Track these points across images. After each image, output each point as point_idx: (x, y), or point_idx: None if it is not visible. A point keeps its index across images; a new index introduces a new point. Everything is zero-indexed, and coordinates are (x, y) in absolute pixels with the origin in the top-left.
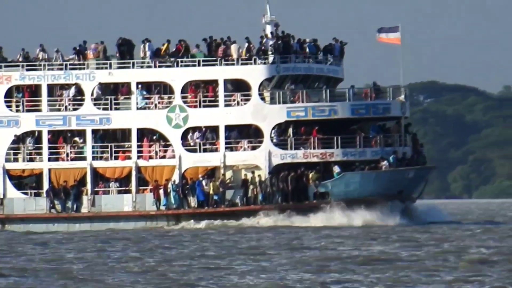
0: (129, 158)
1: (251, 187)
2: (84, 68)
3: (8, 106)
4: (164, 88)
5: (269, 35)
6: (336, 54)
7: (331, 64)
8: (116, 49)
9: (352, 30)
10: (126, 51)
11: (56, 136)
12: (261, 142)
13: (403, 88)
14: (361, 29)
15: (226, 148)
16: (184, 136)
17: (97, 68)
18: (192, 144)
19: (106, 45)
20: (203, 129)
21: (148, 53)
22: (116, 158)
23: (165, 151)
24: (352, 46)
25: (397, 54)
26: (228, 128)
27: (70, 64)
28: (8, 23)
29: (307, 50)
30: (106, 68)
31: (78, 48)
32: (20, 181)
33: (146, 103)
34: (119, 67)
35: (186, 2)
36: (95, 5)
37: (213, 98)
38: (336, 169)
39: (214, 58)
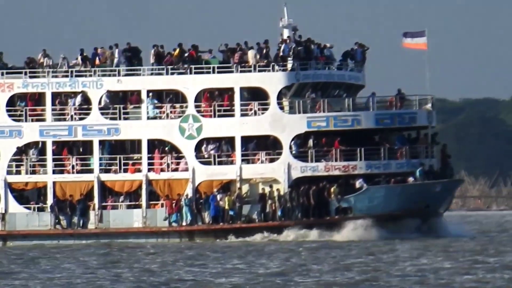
0: (139, 170)
1: (269, 201)
2: (91, 75)
3: (10, 116)
4: (176, 97)
5: (287, 40)
6: (357, 60)
7: (352, 70)
8: (122, 56)
9: (375, 35)
10: (133, 58)
11: (61, 148)
12: (279, 154)
13: (429, 96)
14: (385, 34)
15: (242, 160)
16: (197, 148)
17: (105, 75)
18: (206, 156)
19: (114, 51)
20: (218, 140)
21: (115, 60)
22: (125, 170)
23: (178, 164)
24: (375, 51)
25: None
26: (245, 139)
27: (76, 71)
28: (9, 27)
29: (325, 55)
30: (114, 75)
31: (84, 53)
32: (21, 194)
33: (157, 113)
34: (127, 74)
35: (198, 5)
36: (101, 9)
37: (228, 107)
38: (359, 183)
39: (230, 65)
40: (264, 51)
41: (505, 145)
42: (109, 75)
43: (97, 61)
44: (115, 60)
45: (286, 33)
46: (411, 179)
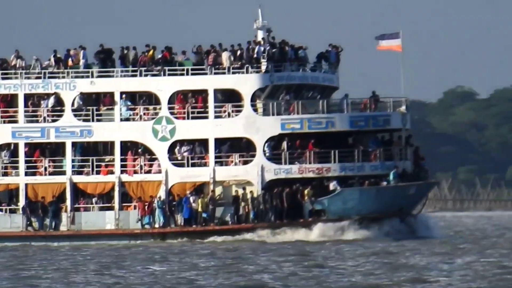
0: (112, 172)
1: (242, 204)
2: (64, 77)
3: None
4: (149, 98)
5: (261, 41)
6: (332, 61)
7: (326, 72)
8: (95, 58)
9: (349, 37)
10: (106, 60)
11: (33, 149)
12: (253, 156)
13: (404, 98)
14: (360, 35)
15: (216, 162)
16: (171, 150)
17: (78, 77)
18: (179, 158)
19: (79, 53)
20: (192, 142)
21: (82, 61)
22: (98, 172)
23: (151, 166)
24: (350, 53)
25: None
26: (218, 141)
27: (49, 73)
28: None
29: (300, 57)
30: (87, 76)
31: (57, 55)
32: None
33: (130, 114)
34: (101, 76)
35: (172, 6)
36: (75, 11)
37: (202, 109)
38: (332, 186)
39: (203, 67)
40: (238, 53)
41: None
42: (82, 77)
43: (70, 63)
44: (81, 62)
45: (260, 35)
46: (384, 183)
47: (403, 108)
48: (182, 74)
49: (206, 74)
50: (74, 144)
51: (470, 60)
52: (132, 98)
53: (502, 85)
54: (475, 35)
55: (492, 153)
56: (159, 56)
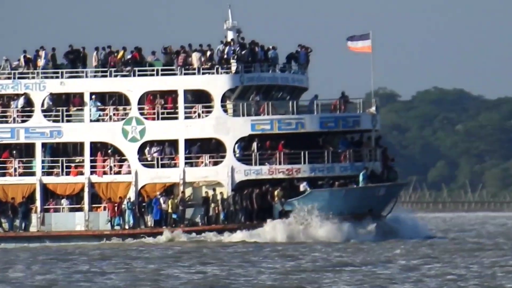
0: (81, 173)
1: (212, 205)
2: (33, 77)
3: None
4: (119, 99)
5: (231, 42)
6: (301, 62)
7: (295, 72)
8: (64, 58)
9: (320, 37)
10: (76, 60)
11: (2, 150)
12: (223, 157)
13: (374, 99)
14: (330, 36)
15: (185, 163)
16: (141, 151)
17: (47, 77)
18: (149, 159)
19: (56, 53)
20: (162, 143)
21: (43, 62)
22: (68, 173)
23: (120, 167)
24: (320, 54)
25: (367, 62)
26: (188, 142)
27: (19, 73)
28: None
29: (270, 58)
30: (57, 77)
31: (27, 55)
32: None
33: (100, 115)
34: (70, 76)
35: (140, 6)
36: (44, 11)
37: (172, 110)
38: (303, 187)
39: (173, 67)
40: (208, 53)
41: None
42: (52, 77)
43: (39, 63)
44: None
45: (230, 35)
46: (354, 185)
47: (373, 109)
48: (152, 75)
49: (176, 74)
50: (44, 145)
51: (393, 61)
52: (102, 98)
53: (424, 87)
54: (398, 36)
55: (414, 156)
56: (129, 56)
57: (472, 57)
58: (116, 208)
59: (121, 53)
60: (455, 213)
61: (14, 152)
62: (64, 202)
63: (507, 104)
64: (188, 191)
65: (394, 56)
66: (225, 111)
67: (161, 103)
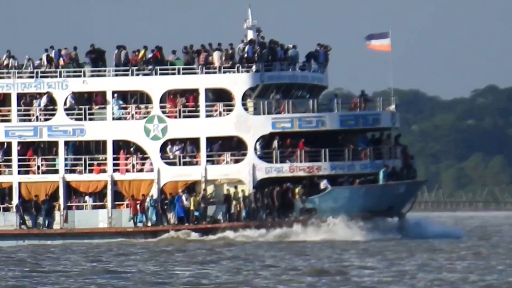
0: (104, 171)
1: (234, 202)
2: (56, 76)
3: None
4: (141, 98)
5: (252, 41)
6: (321, 61)
7: (315, 71)
8: (86, 57)
9: (339, 36)
10: (98, 59)
11: (26, 148)
12: (244, 155)
13: (393, 97)
14: (350, 35)
15: (207, 161)
16: (162, 149)
17: (69, 76)
18: (171, 157)
19: (78, 52)
20: (183, 141)
21: (44, 61)
22: (91, 171)
23: (143, 164)
24: (339, 52)
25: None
26: (210, 140)
27: (41, 72)
28: None
29: (290, 56)
30: (79, 76)
31: (49, 53)
32: None
33: (122, 113)
34: (92, 75)
35: (161, 6)
36: (66, 11)
37: (193, 108)
38: (323, 185)
39: (194, 66)
40: (229, 52)
41: None
42: (74, 76)
43: (61, 62)
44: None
45: (250, 35)
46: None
47: (392, 107)
48: (173, 74)
49: (197, 73)
50: (66, 143)
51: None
52: (124, 97)
53: (380, 88)
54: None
55: None
56: (150, 55)
57: (427, 58)
58: (139, 205)
59: (142, 52)
60: (413, 213)
61: (40, 149)
62: (88, 199)
63: (462, 104)
64: (210, 189)
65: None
66: (246, 109)
67: (182, 102)
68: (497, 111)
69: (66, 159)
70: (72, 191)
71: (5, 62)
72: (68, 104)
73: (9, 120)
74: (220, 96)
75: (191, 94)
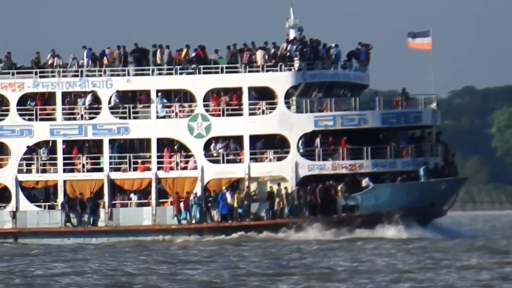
0: (148, 169)
1: (277, 200)
2: (100, 75)
3: (21, 115)
4: (185, 96)
5: (294, 40)
6: (362, 59)
7: (356, 70)
8: (130, 56)
9: (380, 35)
10: (142, 58)
11: (70, 147)
12: (287, 152)
13: (434, 95)
14: (391, 33)
15: (250, 159)
16: (206, 146)
17: (113, 75)
18: (215, 154)
19: (121, 51)
20: (227, 139)
21: (85, 61)
22: (135, 169)
23: (187, 162)
24: (380, 51)
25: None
26: (253, 138)
27: (86, 71)
28: (16, 27)
29: (333, 55)
30: (123, 75)
31: (93, 52)
32: (29, 192)
33: (166, 112)
34: (136, 74)
35: (203, 6)
36: (105, 10)
37: (237, 107)
38: (365, 182)
39: (237, 65)
40: (272, 51)
41: None
42: (118, 75)
43: (105, 61)
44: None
45: (292, 34)
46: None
47: (433, 105)
48: (217, 73)
49: (240, 72)
50: (111, 142)
51: None
52: (168, 96)
53: None
54: None
55: None
56: (193, 54)
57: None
58: (183, 202)
59: (185, 51)
60: None
61: (84, 148)
62: (133, 197)
63: (440, 105)
64: (253, 186)
65: None
66: (289, 107)
67: (226, 100)
68: (474, 111)
69: (110, 157)
70: (116, 189)
71: (50, 61)
72: (112, 103)
73: (54, 119)
74: (263, 95)
75: (234, 93)
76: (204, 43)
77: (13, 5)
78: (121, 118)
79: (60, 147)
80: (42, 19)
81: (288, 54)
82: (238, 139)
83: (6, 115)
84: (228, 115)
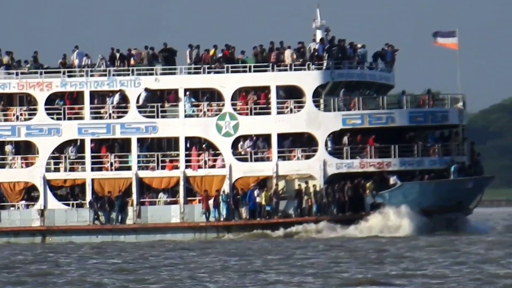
0: (176, 167)
1: (305, 197)
2: (128, 74)
3: (49, 114)
4: (212, 95)
5: (322, 40)
6: (387, 60)
7: (382, 70)
8: (159, 56)
9: (405, 34)
10: (170, 58)
11: (98, 145)
12: (315, 151)
13: (461, 95)
14: (416, 34)
15: (278, 157)
16: (234, 145)
17: (140, 74)
18: (243, 153)
19: (149, 51)
20: (254, 137)
21: (76, 62)
22: (163, 167)
23: (215, 161)
24: (405, 51)
25: (454, 60)
26: (281, 136)
27: (114, 70)
28: (43, 27)
29: (359, 55)
30: (151, 74)
31: (121, 52)
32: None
33: (194, 111)
34: (163, 73)
35: (231, 6)
36: (138, 11)
37: (264, 105)
38: (392, 180)
39: (266, 64)
40: (301, 50)
41: None
42: (145, 75)
43: (132, 61)
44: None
45: (319, 34)
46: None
47: (460, 104)
48: (245, 72)
49: (268, 71)
50: (139, 140)
51: None
52: (196, 95)
53: None
54: None
55: None
56: (220, 54)
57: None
58: (213, 200)
59: (212, 51)
60: None
61: (115, 146)
62: (162, 195)
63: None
64: (281, 184)
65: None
66: (317, 106)
67: (253, 99)
68: None
69: (139, 156)
70: (145, 187)
71: (76, 62)
72: (142, 99)
73: (82, 118)
74: (291, 93)
75: (262, 91)
76: (231, 43)
77: (40, 6)
78: (149, 117)
79: (88, 146)
80: (67, 20)
81: (316, 53)
82: (266, 138)
83: (34, 114)
84: (256, 113)
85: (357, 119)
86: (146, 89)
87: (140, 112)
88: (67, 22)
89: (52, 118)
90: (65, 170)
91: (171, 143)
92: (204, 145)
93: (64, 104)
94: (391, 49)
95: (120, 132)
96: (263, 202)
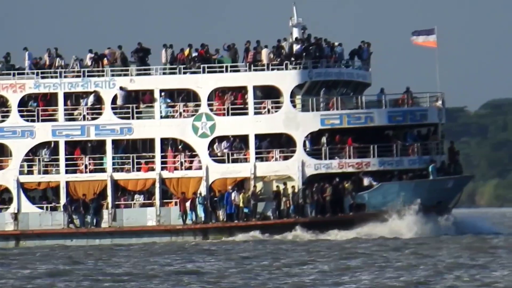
0: (152, 169)
1: (283, 199)
2: (103, 75)
3: (22, 116)
4: (188, 96)
5: (299, 38)
6: (364, 58)
7: (359, 68)
8: (133, 56)
9: (383, 32)
10: (144, 58)
11: (73, 147)
12: (293, 151)
13: (440, 93)
14: (394, 32)
15: (256, 158)
16: (211, 146)
17: (116, 75)
18: (219, 154)
19: (124, 51)
20: (231, 138)
21: (27, 62)
22: (139, 169)
23: (191, 162)
24: (384, 49)
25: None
26: (258, 137)
27: (88, 71)
28: (14, 27)
29: (337, 54)
30: (126, 75)
31: (96, 52)
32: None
33: (170, 112)
34: (139, 74)
35: (205, 5)
36: (112, 11)
37: (241, 106)
38: (367, 181)
39: (242, 64)
40: (277, 49)
41: None
42: (120, 75)
43: (105, 62)
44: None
45: (295, 32)
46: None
47: (439, 103)
48: (221, 71)
49: (244, 71)
50: (114, 142)
51: None
52: (171, 95)
53: None
54: None
55: None
56: (195, 54)
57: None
58: (190, 203)
59: (187, 50)
60: None
61: (87, 148)
62: (138, 197)
63: None
64: (259, 186)
65: None
66: (294, 106)
67: (230, 99)
68: None
69: (113, 158)
70: (120, 190)
71: (48, 62)
72: (120, 100)
73: (56, 120)
74: (269, 93)
75: (239, 92)
76: (206, 42)
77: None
78: (124, 118)
79: (62, 148)
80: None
81: (293, 52)
82: (243, 139)
83: (7, 116)
84: (233, 114)
85: (336, 119)
86: (122, 88)
87: (115, 113)
88: (40, 22)
89: (26, 120)
90: (39, 173)
91: (146, 145)
92: (180, 146)
93: (37, 105)
94: (367, 46)
95: (94, 133)
96: (241, 204)
